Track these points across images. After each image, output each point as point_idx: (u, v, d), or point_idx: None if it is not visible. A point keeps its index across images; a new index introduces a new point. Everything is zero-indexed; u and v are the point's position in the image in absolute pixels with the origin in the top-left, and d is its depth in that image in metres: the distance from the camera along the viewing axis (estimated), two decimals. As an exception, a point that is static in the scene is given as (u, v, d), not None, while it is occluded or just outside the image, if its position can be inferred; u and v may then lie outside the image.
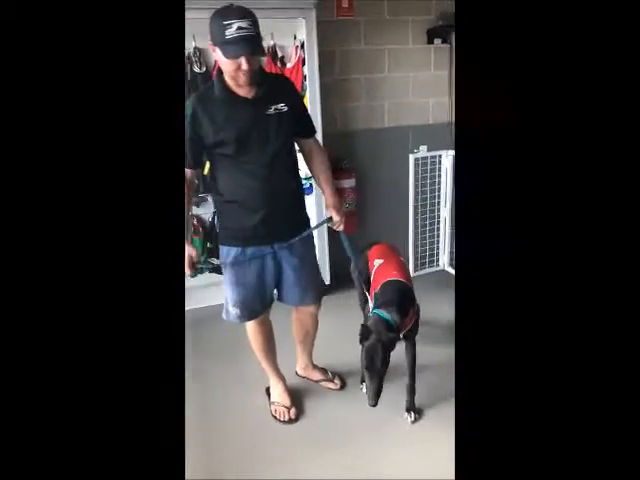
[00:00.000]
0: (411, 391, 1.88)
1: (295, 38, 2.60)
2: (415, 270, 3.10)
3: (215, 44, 1.38)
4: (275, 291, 1.78)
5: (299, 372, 2.14)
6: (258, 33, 1.38)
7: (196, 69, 2.51)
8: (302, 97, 1.78)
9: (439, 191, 3.08)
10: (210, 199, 2.53)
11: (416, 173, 2.94)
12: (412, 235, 3.04)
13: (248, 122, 1.49)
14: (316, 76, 2.58)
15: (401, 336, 1.78)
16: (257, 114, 1.50)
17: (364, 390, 1.62)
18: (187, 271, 1.57)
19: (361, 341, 1.60)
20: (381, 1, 2.84)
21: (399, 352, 1.87)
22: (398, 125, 3.08)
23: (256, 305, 1.72)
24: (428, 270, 3.17)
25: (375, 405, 1.57)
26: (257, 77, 1.47)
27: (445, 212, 3.10)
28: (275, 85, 1.55)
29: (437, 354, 2.24)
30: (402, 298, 1.71)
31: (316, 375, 2.10)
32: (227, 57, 1.36)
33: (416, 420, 1.85)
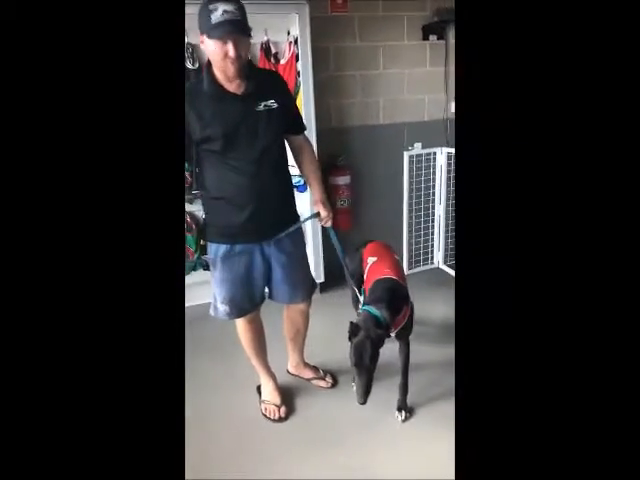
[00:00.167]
0: (403, 390, 1.87)
1: (289, 34, 2.58)
2: (409, 268, 3.09)
3: (202, 32, 1.38)
4: (266, 289, 1.77)
5: (290, 370, 2.13)
6: (244, 17, 1.38)
7: (189, 65, 2.48)
8: (292, 94, 1.76)
9: (434, 188, 3.07)
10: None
11: (410, 170, 2.92)
12: (406, 233, 3.02)
13: (236, 118, 1.47)
14: (310, 72, 2.56)
15: (393, 335, 1.78)
16: (246, 110, 1.48)
17: (354, 388, 1.61)
18: None
19: (350, 338, 1.58)
20: (376, -3, 2.82)
21: (392, 351, 1.87)
22: (393, 122, 3.06)
23: (244, 302, 1.70)
24: (423, 268, 3.16)
25: (364, 403, 1.56)
26: (246, 71, 1.46)
27: (440, 210, 3.09)
28: (265, 81, 1.53)
29: (431, 353, 2.23)
30: (393, 295, 1.70)
31: (307, 373, 2.09)
32: (213, 38, 1.35)
33: (407, 419, 1.84)
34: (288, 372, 2.13)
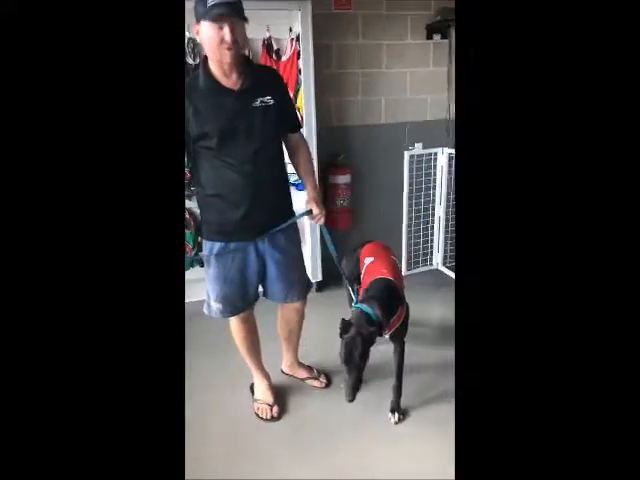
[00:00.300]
0: (397, 392, 1.85)
1: (291, 30, 2.56)
2: (408, 269, 3.07)
3: (198, 18, 1.37)
4: (261, 287, 1.76)
5: (284, 369, 2.12)
6: (239, 1, 1.38)
7: (190, 60, 2.47)
8: (289, 91, 1.75)
9: (434, 189, 3.05)
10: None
11: (411, 170, 2.90)
12: (405, 233, 3.00)
13: (233, 114, 1.45)
14: (311, 70, 2.54)
15: (387, 336, 1.77)
16: (243, 106, 1.46)
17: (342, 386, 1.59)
18: None
19: (341, 335, 1.58)
20: (380, -5, 2.80)
21: (387, 352, 1.85)
22: (395, 121, 3.04)
23: (238, 301, 1.69)
24: (422, 269, 3.14)
25: (352, 401, 1.54)
26: (243, 66, 1.45)
27: (440, 211, 3.06)
28: (262, 77, 1.52)
29: (427, 355, 2.22)
30: (388, 295, 1.69)
31: (301, 373, 2.08)
32: (209, 20, 1.34)
33: (400, 421, 1.83)
34: (282, 372, 2.12)
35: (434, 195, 3.06)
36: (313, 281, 2.84)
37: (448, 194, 3.00)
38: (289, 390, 2.03)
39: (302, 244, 2.81)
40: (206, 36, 1.38)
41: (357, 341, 1.53)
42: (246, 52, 2.43)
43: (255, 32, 2.52)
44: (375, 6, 2.80)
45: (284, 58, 2.59)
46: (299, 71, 2.56)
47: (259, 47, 2.56)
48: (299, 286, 1.79)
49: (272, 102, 1.49)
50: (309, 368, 2.09)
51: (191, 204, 2.70)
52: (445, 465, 1.54)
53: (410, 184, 2.93)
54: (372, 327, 1.56)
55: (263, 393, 1.91)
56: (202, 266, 2.70)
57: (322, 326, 2.39)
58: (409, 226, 3.02)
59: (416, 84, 3.03)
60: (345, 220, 2.98)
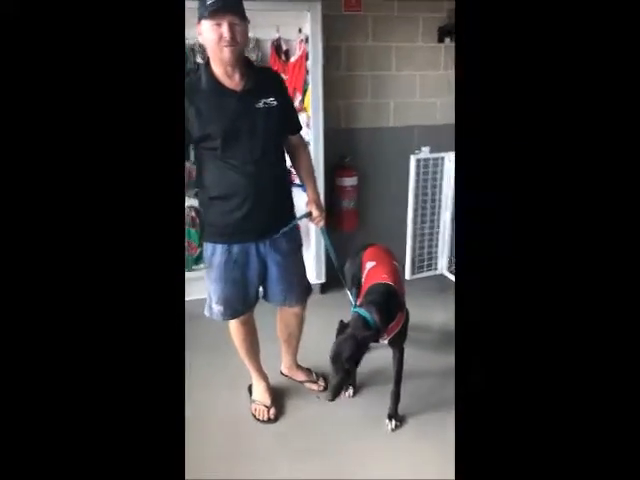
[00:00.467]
0: (395, 398, 1.84)
1: (300, 32, 2.56)
2: (413, 273, 3.05)
3: (199, 19, 1.38)
4: (261, 289, 1.76)
5: (283, 371, 2.12)
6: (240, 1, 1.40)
7: (200, 60, 2.48)
8: (289, 93, 1.75)
9: (440, 194, 3.02)
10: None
11: (417, 174, 2.88)
12: (410, 237, 2.98)
13: (236, 115, 1.45)
14: (319, 71, 2.53)
15: (386, 341, 1.76)
16: (245, 107, 1.46)
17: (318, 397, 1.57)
18: None
19: (337, 336, 1.58)
20: (391, -3, 2.78)
21: (387, 357, 1.84)
22: (403, 125, 3.02)
23: (239, 303, 1.69)
24: (426, 274, 3.12)
25: (332, 400, 1.53)
26: (245, 67, 1.46)
27: (446, 215, 3.04)
28: (264, 78, 1.52)
29: (429, 360, 2.21)
30: (387, 300, 1.68)
31: (300, 376, 2.07)
32: (207, 18, 1.35)
33: (397, 427, 1.82)
34: (281, 373, 2.12)
35: (440, 200, 3.04)
36: (317, 282, 2.84)
37: (454, 199, 2.98)
38: (287, 392, 2.03)
39: (307, 246, 2.83)
40: (205, 36, 1.39)
41: (349, 343, 1.53)
42: (250, 52, 2.48)
43: (265, 33, 2.53)
44: (386, 8, 2.78)
45: (293, 59, 2.58)
46: (307, 72, 2.56)
47: (268, 48, 2.56)
48: (299, 289, 1.78)
49: (275, 103, 1.49)
50: (308, 371, 2.09)
51: (196, 202, 2.71)
52: (441, 474, 1.54)
53: (416, 188, 2.90)
54: (367, 332, 1.56)
55: (261, 394, 1.92)
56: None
57: (323, 328, 2.36)
58: (414, 230, 3.00)
59: (426, 87, 3.01)
60: (351, 222, 2.97)
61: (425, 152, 2.84)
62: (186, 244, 2.73)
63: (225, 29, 1.34)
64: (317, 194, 1.70)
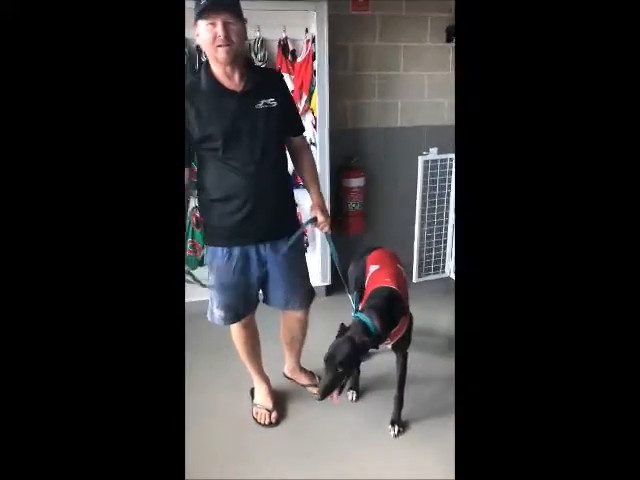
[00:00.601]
0: (398, 403, 1.82)
1: (307, 32, 2.54)
2: (419, 276, 3.02)
3: (195, 20, 1.36)
4: (260, 292, 1.74)
5: (286, 374, 2.10)
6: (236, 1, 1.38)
7: (204, 58, 2.47)
8: (291, 94, 1.73)
9: (448, 195, 2.98)
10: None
11: (425, 176, 2.84)
12: (418, 240, 2.95)
13: (236, 116, 1.44)
14: (325, 71, 2.51)
15: (390, 346, 1.73)
16: (245, 108, 1.45)
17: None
18: None
19: (336, 338, 1.56)
20: (399, -3, 2.75)
21: (390, 362, 1.82)
22: (411, 125, 2.99)
23: (239, 307, 1.68)
24: (433, 277, 3.08)
25: (321, 400, 1.50)
26: (245, 68, 1.44)
27: (453, 217, 3.00)
28: (265, 79, 1.51)
29: (434, 364, 2.18)
30: (389, 305, 1.65)
31: (303, 379, 2.05)
32: (202, 18, 1.33)
33: (400, 433, 1.79)
34: (284, 375, 2.10)
35: (448, 202, 3.00)
36: (322, 285, 2.82)
37: (463, 201, 2.94)
38: (289, 395, 2.01)
39: (312, 248, 2.81)
40: (201, 37, 1.37)
41: (346, 345, 1.51)
42: (257, 53, 2.47)
43: (271, 33, 2.52)
44: (393, 8, 2.75)
45: (299, 59, 2.57)
46: (314, 72, 2.54)
47: (275, 48, 2.54)
48: (301, 292, 1.76)
49: (275, 104, 1.48)
50: (311, 374, 2.06)
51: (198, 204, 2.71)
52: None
53: (424, 189, 2.87)
54: (366, 337, 1.53)
55: (262, 398, 1.90)
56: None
57: (328, 331, 2.34)
58: (422, 232, 2.97)
59: (434, 87, 2.98)
60: (357, 224, 2.95)
61: (433, 153, 2.81)
62: (192, 245, 2.73)
63: (219, 28, 1.32)
64: (322, 198, 1.67)
